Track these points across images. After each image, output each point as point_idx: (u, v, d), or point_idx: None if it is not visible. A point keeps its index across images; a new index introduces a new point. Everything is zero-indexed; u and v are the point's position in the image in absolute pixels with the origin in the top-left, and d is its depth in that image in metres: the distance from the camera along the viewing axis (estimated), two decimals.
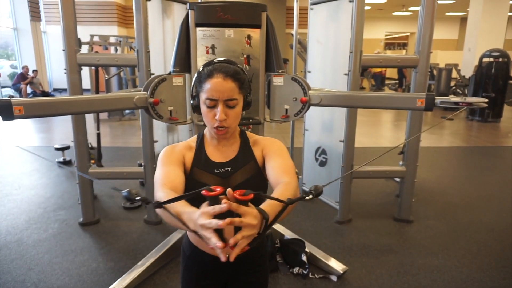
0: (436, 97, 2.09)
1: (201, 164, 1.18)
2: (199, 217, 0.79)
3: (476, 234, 3.09)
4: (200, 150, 1.21)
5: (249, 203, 0.81)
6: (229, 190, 0.79)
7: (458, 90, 10.22)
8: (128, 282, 2.28)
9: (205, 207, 0.80)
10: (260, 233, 0.82)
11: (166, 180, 1.06)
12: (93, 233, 3.06)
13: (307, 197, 0.90)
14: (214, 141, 1.21)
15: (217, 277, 1.27)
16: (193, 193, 0.81)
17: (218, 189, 0.79)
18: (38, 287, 2.33)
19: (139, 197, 0.85)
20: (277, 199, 0.87)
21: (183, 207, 0.88)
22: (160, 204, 0.83)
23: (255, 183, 1.18)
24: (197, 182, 1.15)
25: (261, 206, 0.86)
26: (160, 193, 0.99)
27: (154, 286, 2.35)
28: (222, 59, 1.16)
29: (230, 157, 1.20)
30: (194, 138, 1.25)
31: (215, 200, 0.79)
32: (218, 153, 1.21)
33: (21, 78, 11.24)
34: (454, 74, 10.63)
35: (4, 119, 1.75)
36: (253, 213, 0.80)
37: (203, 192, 0.79)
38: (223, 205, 0.76)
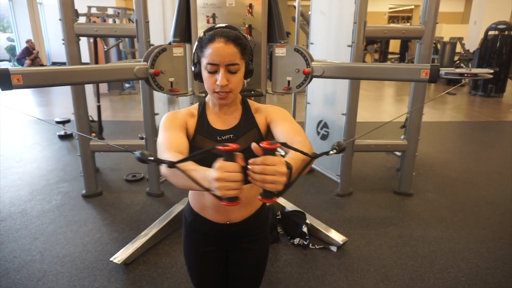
0: (440, 68, 2.06)
1: (203, 131, 1.17)
2: (217, 171, 0.77)
3: (475, 207, 3.13)
4: (202, 117, 1.20)
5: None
6: (254, 144, 0.80)
7: (462, 65, 10.07)
8: (132, 251, 2.32)
9: (222, 162, 0.78)
10: (286, 184, 0.80)
11: (171, 144, 1.05)
12: (96, 205, 3.09)
13: (331, 152, 0.89)
14: (215, 109, 1.20)
15: (218, 244, 1.29)
16: (207, 150, 0.79)
17: (234, 145, 0.78)
18: (44, 255, 2.38)
19: (152, 158, 0.83)
20: (303, 152, 0.86)
21: (195, 167, 0.87)
22: (173, 164, 0.81)
23: None
24: (200, 149, 1.15)
25: (287, 158, 0.86)
26: (167, 155, 0.97)
27: (157, 255, 2.40)
28: (224, 24, 1.14)
29: (232, 125, 1.19)
30: (196, 105, 1.24)
31: (230, 156, 0.78)
32: (220, 121, 1.20)
33: (26, 53, 10.97)
34: (458, 48, 10.45)
35: (3, 88, 1.73)
36: (282, 161, 0.79)
37: (219, 147, 0.77)
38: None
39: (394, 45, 16.53)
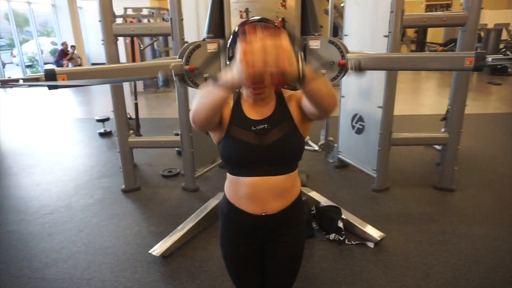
0: (486, 55, 1.94)
1: (238, 122, 1.18)
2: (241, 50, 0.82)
3: None
4: (237, 107, 1.20)
5: None
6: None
7: (508, 53, 9.46)
8: (169, 244, 2.38)
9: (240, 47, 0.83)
10: (299, 77, 0.89)
11: None
12: (134, 199, 3.20)
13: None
14: (250, 99, 1.20)
15: (254, 236, 1.29)
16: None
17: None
18: (88, 247, 2.50)
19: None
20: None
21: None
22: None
23: (291, 140, 1.18)
24: (235, 138, 1.16)
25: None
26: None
27: (194, 249, 2.45)
28: (258, 17, 1.13)
29: (266, 115, 1.19)
30: (231, 95, 1.24)
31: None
32: (255, 111, 1.20)
33: (62, 55, 11.58)
34: (504, 35, 9.81)
35: (50, 87, 1.82)
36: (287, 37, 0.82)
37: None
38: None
39: (434, 36, 15.77)
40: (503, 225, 2.64)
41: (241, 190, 1.21)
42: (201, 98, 1.02)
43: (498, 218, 2.74)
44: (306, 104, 1.11)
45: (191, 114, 1.06)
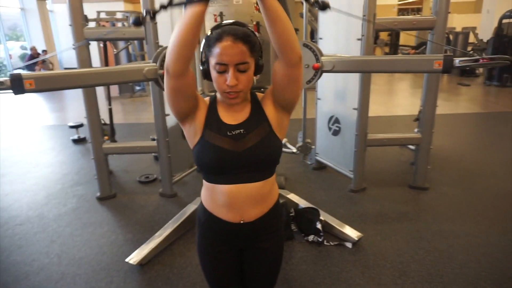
0: (454, 58, 2.01)
1: (213, 127, 1.16)
2: None
3: (493, 200, 3.05)
4: (212, 110, 1.18)
5: None
6: None
7: (475, 55, 9.85)
8: (147, 252, 2.33)
9: None
10: None
11: None
12: (110, 207, 3.12)
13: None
14: (225, 104, 1.19)
15: (232, 244, 1.27)
16: None
17: None
18: (61, 258, 2.41)
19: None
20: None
21: None
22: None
23: (268, 145, 1.16)
24: (210, 144, 1.14)
25: None
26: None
27: (172, 256, 2.41)
28: (231, 21, 1.12)
29: (242, 119, 1.17)
30: (207, 98, 1.23)
31: None
32: (230, 115, 1.18)
33: (31, 60, 11.22)
34: (471, 38, 10.21)
35: (16, 92, 1.75)
36: None
37: None
38: None
39: (406, 39, 16.24)
40: (474, 221, 2.73)
41: (218, 198, 1.18)
42: (175, 30, 0.97)
43: (469, 214, 2.83)
44: (276, 78, 1.10)
45: (166, 58, 1.01)
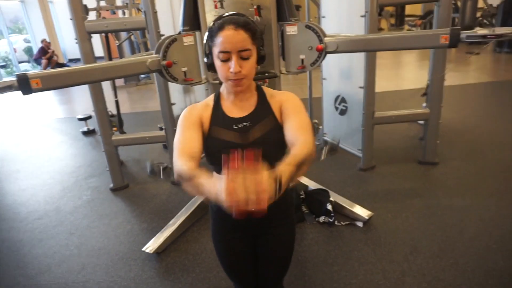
0: (461, 32, 1.96)
1: (219, 122, 1.18)
2: (220, 193, 0.81)
3: (504, 172, 3.03)
4: (217, 107, 1.20)
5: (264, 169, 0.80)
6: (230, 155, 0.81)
7: (485, 21, 9.55)
8: (162, 240, 2.40)
9: (222, 183, 0.80)
10: (277, 192, 0.86)
11: (184, 149, 1.10)
12: (124, 197, 3.19)
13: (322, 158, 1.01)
14: (231, 97, 1.20)
15: (246, 230, 1.31)
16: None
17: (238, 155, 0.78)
18: (81, 250, 2.50)
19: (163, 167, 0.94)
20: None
21: (205, 179, 0.96)
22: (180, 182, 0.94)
23: (273, 137, 1.18)
24: (216, 139, 1.16)
25: (280, 165, 0.93)
26: (179, 162, 1.04)
27: (186, 242, 2.47)
28: (232, 12, 1.13)
29: (248, 112, 1.19)
30: (211, 96, 1.25)
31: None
32: (235, 109, 1.20)
33: (42, 53, 11.18)
34: (480, 3, 9.87)
35: (24, 93, 1.78)
36: (265, 178, 0.80)
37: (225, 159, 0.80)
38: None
39: (412, 8, 15.77)
40: (484, 194, 2.73)
41: None
42: (186, 187, 1.01)
43: (480, 188, 2.83)
44: (287, 138, 1.13)
45: (175, 167, 1.04)
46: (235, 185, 0.77)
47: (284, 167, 0.92)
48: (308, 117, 1.17)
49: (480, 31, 1.99)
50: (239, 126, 1.17)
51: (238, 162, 0.78)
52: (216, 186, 0.86)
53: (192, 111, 1.20)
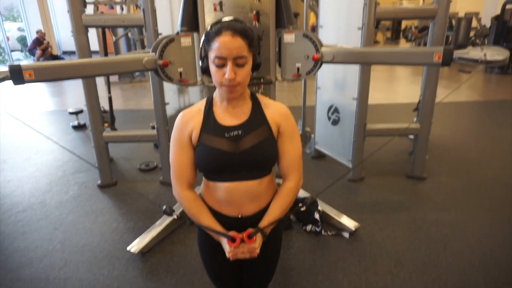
0: (454, 51, 2.00)
1: (210, 129, 1.17)
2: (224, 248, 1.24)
3: (490, 190, 3.09)
4: (209, 114, 1.19)
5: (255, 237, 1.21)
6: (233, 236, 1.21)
7: (478, 41, 9.75)
8: (148, 240, 2.38)
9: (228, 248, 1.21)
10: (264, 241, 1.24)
11: (182, 174, 1.23)
12: (111, 194, 3.16)
13: (301, 209, 1.36)
14: (224, 104, 1.19)
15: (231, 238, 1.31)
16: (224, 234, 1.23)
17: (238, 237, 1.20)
18: (64, 245, 2.46)
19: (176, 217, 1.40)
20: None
21: (213, 224, 1.24)
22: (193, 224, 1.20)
23: (265, 147, 1.18)
24: (207, 146, 1.16)
25: (266, 214, 1.24)
26: (180, 194, 1.24)
27: (172, 244, 2.45)
28: (230, 18, 1.13)
29: (241, 120, 1.18)
30: (204, 101, 1.23)
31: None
32: (228, 116, 1.19)
33: (37, 43, 11.02)
34: (474, 23, 10.09)
35: (15, 83, 1.76)
36: (255, 246, 1.21)
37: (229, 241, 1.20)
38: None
39: (409, 23, 16.01)
40: (470, 211, 2.77)
41: (217, 194, 1.22)
42: (190, 209, 1.26)
43: (465, 204, 2.87)
44: (279, 164, 1.26)
45: (176, 195, 1.27)
46: (236, 251, 1.19)
47: (270, 221, 1.23)
48: (300, 146, 1.26)
49: (472, 51, 2.03)
50: (231, 134, 1.16)
51: (239, 241, 1.18)
52: (220, 238, 1.23)
53: (182, 124, 1.20)
